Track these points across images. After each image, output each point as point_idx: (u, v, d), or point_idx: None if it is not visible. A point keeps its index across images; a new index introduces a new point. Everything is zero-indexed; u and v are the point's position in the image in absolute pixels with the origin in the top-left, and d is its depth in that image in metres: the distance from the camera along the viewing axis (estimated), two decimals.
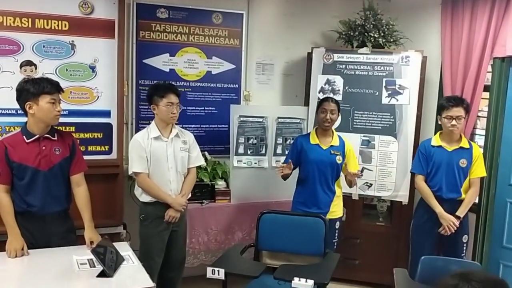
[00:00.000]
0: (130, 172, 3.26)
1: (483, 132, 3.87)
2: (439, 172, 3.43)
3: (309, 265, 3.01)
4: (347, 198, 4.18)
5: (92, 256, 2.48)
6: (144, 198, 3.24)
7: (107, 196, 3.63)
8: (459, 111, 3.36)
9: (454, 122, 3.35)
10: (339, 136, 3.65)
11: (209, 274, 2.74)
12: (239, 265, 2.99)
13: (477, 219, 3.80)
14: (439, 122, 3.48)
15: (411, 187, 4.05)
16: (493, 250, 3.77)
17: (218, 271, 2.72)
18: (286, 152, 3.88)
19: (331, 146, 3.56)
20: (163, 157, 3.21)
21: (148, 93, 3.28)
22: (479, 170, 3.45)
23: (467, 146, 3.45)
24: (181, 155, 3.28)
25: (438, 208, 3.39)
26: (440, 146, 3.45)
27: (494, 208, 3.76)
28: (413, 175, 3.68)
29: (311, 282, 2.58)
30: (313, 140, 3.58)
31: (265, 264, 3.18)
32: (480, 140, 3.94)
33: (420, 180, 3.50)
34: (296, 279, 2.59)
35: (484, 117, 3.86)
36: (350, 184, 3.61)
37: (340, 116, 3.77)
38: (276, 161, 4.12)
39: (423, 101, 4.08)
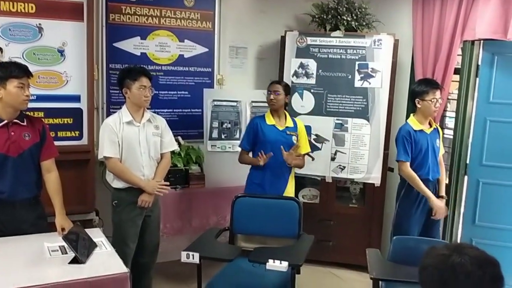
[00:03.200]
0: (100, 157, 3.19)
1: (453, 114, 3.93)
2: (426, 156, 3.46)
3: (283, 247, 3.02)
4: (320, 180, 4.25)
5: (63, 243, 2.44)
6: (117, 184, 3.18)
7: (79, 182, 3.59)
8: (439, 93, 3.44)
9: (438, 104, 3.43)
10: (292, 118, 3.70)
11: (183, 259, 2.72)
12: (214, 249, 2.98)
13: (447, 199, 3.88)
14: (419, 106, 3.45)
15: (383, 169, 4.12)
16: (465, 229, 3.87)
17: (193, 255, 2.70)
18: None
19: (287, 127, 3.61)
20: (135, 142, 3.16)
21: (119, 77, 3.21)
22: (442, 148, 3.62)
23: (435, 126, 3.57)
24: (153, 140, 3.23)
25: (430, 194, 3.44)
26: (421, 130, 3.48)
27: (467, 188, 3.84)
28: (386, 162, 3.73)
29: (285, 263, 2.60)
30: (269, 121, 3.59)
31: (240, 247, 3.19)
32: (450, 123, 4.01)
33: (408, 167, 3.45)
34: (270, 261, 2.60)
35: (454, 99, 3.92)
36: (298, 166, 3.66)
37: (314, 100, 3.87)
38: None
39: (395, 84, 4.11)
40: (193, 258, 2.71)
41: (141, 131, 3.18)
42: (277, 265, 2.59)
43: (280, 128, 3.59)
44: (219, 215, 3.97)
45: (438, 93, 3.44)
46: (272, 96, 3.54)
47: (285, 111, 3.68)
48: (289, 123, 3.64)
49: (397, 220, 3.59)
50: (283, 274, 2.74)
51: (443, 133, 3.77)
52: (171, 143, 3.38)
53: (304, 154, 3.69)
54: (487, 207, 3.75)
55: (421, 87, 3.47)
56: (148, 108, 3.30)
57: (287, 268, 2.62)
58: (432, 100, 3.41)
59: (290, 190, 3.65)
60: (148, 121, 3.23)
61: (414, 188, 3.48)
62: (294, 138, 3.61)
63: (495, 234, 3.69)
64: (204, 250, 2.82)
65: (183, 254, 2.73)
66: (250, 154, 3.64)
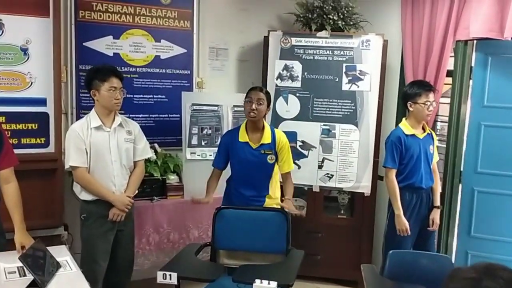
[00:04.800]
0: (66, 166, 2.94)
1: (446, 119, 3.76)
2: (418, 162, 3.30)
3: (271, 265, 2.81)
4: (307, 190, 4.04)
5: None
6: (85, 196, 2.93)
7: (45, 194, 3.36)
8: (432, 96, 3.30)
9: (431, 107, 3.28)
10: (272, 130, 3.29)
11: (159, 279, 2.47)
12: (194, 268, 2.75)
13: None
14: (411, 109, 3.30)
15: (373, 177, 3.92)
16: (460, 240, 3.68)
17: (170, 275, 2.45)
18: None
19: (262, 144, 3.21)
20: (105, 149, 2.91)
21: (87, 78, 2.97)
22: (436, 154, 3.46)
23: (428, 131, 3.41)
24: (125, 146, 2.99)
25: (400, 212, 3.28)
26: (413, 135, 3.32)
27: (461, 197, 3.66)
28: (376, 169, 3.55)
29: (274, 284, 2.35)
30: (242, 137, 3.22)
31: (223, 265, 2.97)
32: (441, 129, 3.87)
33: (393, 175, 3.30)
34: (257, 281, 2.35)
35: (445, 103, 3.74)
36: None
37: (300, 105, 3.65)
38: None
39: (384, 87, 3.93)
40: (170, 279, 2.45)
41: (111, 136, 2.93)
42: (265, 286, 2.33)
43: (254, 146, 3.20)
44: (200, 229, 3.71)
45: (431, 95, 3.29)
46: (254, 106, 3.11)
47: (264, 122, 3.28)
48: (267, 139, 3.22)
49: (389, 231, 3.41)
50: None
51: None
52: (145, 150, 3.15)
53: (289, 172, 3.35)
54: (483, 217, 3.58)
55: (414, 89, 3.32)
56: (120, 113, 3.07)
57: None
58: (426, 103, 3.26)
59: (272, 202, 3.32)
60: (119, 126, 2.98)
61: (406, 196, 3.32)
62: (269, 157, 3.21)
63: (492, 246, 3.51)
64: (182, 269, 2.58)
65: (159, 274, 2.48)
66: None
